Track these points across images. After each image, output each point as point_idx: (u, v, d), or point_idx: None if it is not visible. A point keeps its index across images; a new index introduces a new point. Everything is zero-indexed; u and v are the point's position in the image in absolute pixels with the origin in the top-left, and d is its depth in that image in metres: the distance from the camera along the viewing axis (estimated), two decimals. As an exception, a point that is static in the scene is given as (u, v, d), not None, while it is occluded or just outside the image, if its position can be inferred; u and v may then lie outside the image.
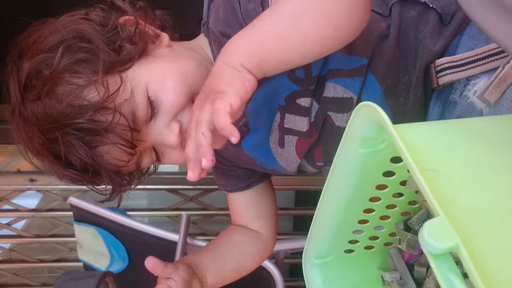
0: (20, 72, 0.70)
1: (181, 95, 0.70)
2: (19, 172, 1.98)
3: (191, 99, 0.72)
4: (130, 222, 1.60)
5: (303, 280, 0.71)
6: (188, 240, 1.52)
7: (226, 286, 1.62)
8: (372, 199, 0.59)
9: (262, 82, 0.73)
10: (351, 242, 0.66)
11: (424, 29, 0.73)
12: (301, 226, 2.15)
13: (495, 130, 0.50)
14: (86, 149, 0.67)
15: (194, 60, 0.76)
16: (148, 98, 0.69)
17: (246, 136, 0.80)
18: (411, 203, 0.62)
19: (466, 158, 0.45)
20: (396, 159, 0.53)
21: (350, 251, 0.67)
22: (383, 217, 0.63)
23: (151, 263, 0.76)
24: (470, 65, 0.69)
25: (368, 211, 0.60)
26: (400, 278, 0.64)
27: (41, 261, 2.12)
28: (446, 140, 0.47)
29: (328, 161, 0.79)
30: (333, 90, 0.73)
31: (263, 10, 0.71)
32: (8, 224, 2.06)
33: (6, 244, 2.12)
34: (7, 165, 2.12)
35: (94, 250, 1.72)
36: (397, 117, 0.75)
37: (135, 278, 1.71)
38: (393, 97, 0.74)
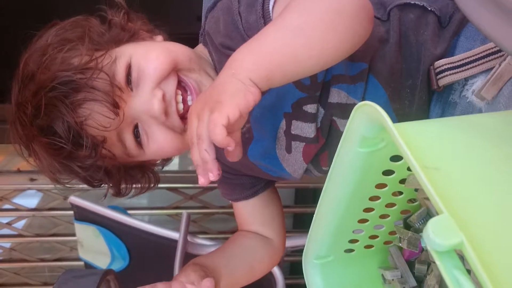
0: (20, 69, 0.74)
1: (163, 63, 0.72)
2: (19, 171, 1.99)
3: (174, 70, 0.73)
4: (131, 221, 1.60)
5: (303, 278, 0.71)
6: (189, 238, 1.52)
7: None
8: (372, 198, 0.59)
9: (267, 90, 0.74)
10: (351, 241, 0.66)
11: (425, 32, 0.74)
12: (301, 223, 2.15)
13: (494, 126, 0.50)
14: (69, 110, 0.68)
15: (192, 50, 0.77)
16: (129, 65, 0.71)
17: (250, 144, 0.80)
18: (411, 201, 0.62)
19: (467, 154, 0.45)
20: (396, 158, 0.53)
21: (350, 250, 0.67)
22: (383, 216, 0.63)
23: None
24: (469, 66, 0.69)
25: (368, 210, 0.60)
26: (401, 276, 0.64)
27: (42, 260, 2.13)
28: (446, 137, 0.47)
29: None
30: (337, 96, 0.74)
31: (264, 22, 0.71)
32: (9, 224, 2.06)
33: (7, 243, 2.13)
34: (7, 164, 2.13)
35: (95, 249, 1.72)
36: (400, 120, 0.75)
37: (136, 277, 1.71)
38: (398, 101, 0.74)
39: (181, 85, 0.74)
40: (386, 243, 0.68)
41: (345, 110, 0.74)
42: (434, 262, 0.60)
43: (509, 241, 0.39)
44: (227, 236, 2.07)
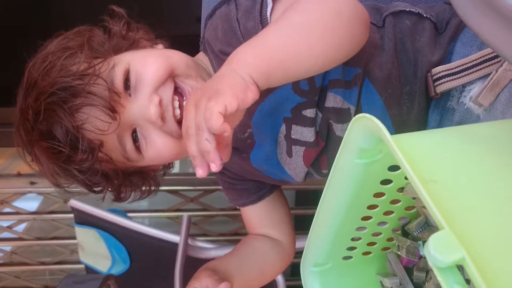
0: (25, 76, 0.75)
1: (159, 69, 0.72)
2: (19, 175, 1.99)
3: (171, 76, 0.73)
4: (131, 224, 1.60)
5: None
6: (189, 241, 1.52)
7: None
8: (370, 207, 0.59)
9: (267, 95, 0.74)
10: (349, 249, 0.66)
11: (421, 39, 0.74)
12: (301, 225, 2.14)
13: (492, 136, 0.50)
14: (66, 114, 0.69)
15: (189, 57, 0.78)
16: (127, 71, 0.72)
17: (252, 149, 0.81)
18: (408, 208, 0.62)
19: (465, 166, 0.45)
20: (394, 168, 0.53)
21: (348, 257, 0.67)
22: (381, 223, 0.63)
23: None
24: (466, 72, 0.70)
25: (366, 218, 0.60)
26: (400, 284, 0.64)
27: (43, 263, 2.13)
28: (444, 148, 0.47)
29: None
30: (333, 100, 0.74)
31: (262, 28, 0.72)
32: (9, 227, 2.06)
33: (7, 247, 2.13)
34: (7, 167, 2.13)
35: (96, 252, 1.73)
36: (398, 127, 0.75)
37: (137, 280, 1.72)
38: (396, 108, 0.74)
39: (177, 91, 0.74)
40: (384, 249, 0.68)
41: (340, 115, 0.75)
42: (433, 270, 0.60)
43: (510, 254, 0.39)
44: (228, 238, 2.07)
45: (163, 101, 0.72)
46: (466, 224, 0.39)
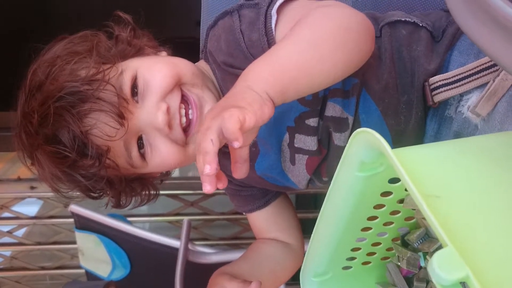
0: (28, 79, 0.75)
1: (167, 77, 0.73)
2: (19, 179, 1.99)
3: (178, 84, 0.74)
4: (131, 229, 1.60)
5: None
6: (190, 246, 1.52)
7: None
8: (370, 218, 0.59)
9: None
10: (349, 259, 0.66)
11: (418, 48, 0.74)
12: (302, 229, 2.15)
13: (492, 149, 0.50)
14: (75, 120, 0.69)
15: (195, 66, 0.79)
16: (135, 77, 0.73)
17: (257, 158, 0.81)
18: (408, 218, 0.62)
19: (467, 180, 0.45)
20: (394, 180, 0.53)
21: (347, 267, 0.68)
22: (380, 234, 0.63)
23: None
24: (463, 81, 0.70)
25: (365, 229, 0.61)
26: (400, 293, 0.65)
27: (43, 268, 2.13)
28: (445, 162, 0.47)
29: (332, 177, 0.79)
30: (332, 109, 0.74)
31: (267, 39, 0.72)
32: (9, 232, 2.06)
33: (7, 252, 2.12)
34: (7, 172, 2.13)
35: (96, 257, 1.72)
36: (396, 136, 0.75)
37: (137, 285, 1.71)
38: (394, 117, 0.75)
39: (183, 99, 0.75)
40: (383, 259, 0.69)
41: (339, 124, 0.75)
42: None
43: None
44: (228, 242, 2.07)
45: (171, 108, 0.73)
46: (468, 240, 0.39)
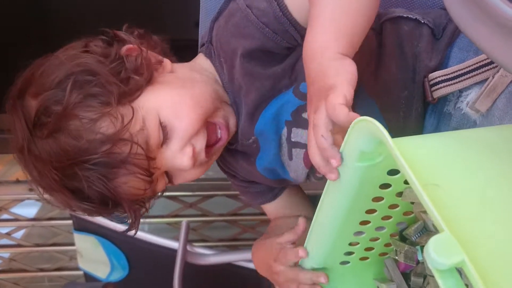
0: (26, 110, 0.69)
1: (195, 121, 0.71)
2: (18, 181, 1.98)
3: (205, 123, 0.73)
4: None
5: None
6: (188, 248, 1.52)
7: (217, 283, 1.61)
8: (368, 211, 0.59)
9: (269, 101, 0.75)
10: (346, 253, 0.66)
11: (419, 44, 0.74)
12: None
13: (493, 141, 0.50)
14: (104, 182, 0.66)
15: (200, 82, 0.76)
16: (160, 124, 0.70)
17: (258, 153, 0.81)
18: (406, 213, 0.62)
19: (466, 170, 0.46)
20: (393, 172, 0.53)
21: (345, 262, 0.67)
22: (379, 228, 0.63)
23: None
24: (463, 77, 0.69)
25: (364, 223, 0.60)
26: (397, 288, 0.64)
27: (41, 270, 2.12)
28: (445, 152, 0.47)
29: None
30: None
31: (278, 3, 0.70)
32: (8, 234, 2.06)
33: (6, 253, 2.12)
34: (5, 173, 2.12)
35: (94, 259, 1.72)
36: (395, 131, 0.75)
37: (136, 286, 1.71)
38: (392, 112, 0.74)
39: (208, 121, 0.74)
40: (381, 254, 0.68)
41: None
42: (431, 276, 0.60)
43: (510, 258, 0.39)
44: (227, 244, 2.06)
45: (196, 149, 0.72)
46: (465, 227, 0.39)
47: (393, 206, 0.60)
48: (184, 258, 1.49)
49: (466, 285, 0.40)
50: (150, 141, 0.69)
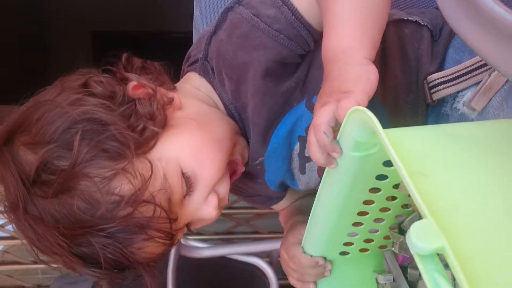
0: (18, 162, 0.60)
1: (220, 166, 0.67)
2: (11, 173, 1.97)
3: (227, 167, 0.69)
4: (124, 223, 1.59)
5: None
6: (182, 240, 1.52)
7: (220, 283, 1.61)
8: (366, 202, 0.59)
9: (281, 118, 0.71)
10: (345, 244, 0.66)
11: (420, 46, 0.73)
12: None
13: (484, 135, 0.51)
14: (121, 250, 0.59)
15: (215, 118, 0.71)
16: (183, 175, 0.64)
17: (264, 174, 0.77)
18: (405, 206, 0.62)
19: (455, 162, 0.46)
20: (389, 163, 0.53)
21: (345, 253, 0.68)
22: (378, 220, 0.63)
23: None
24: (461, 79, 0.69)
25: (362, 213, 0.61)
26: (394, 280, 0.65)
27: (35, 262, 2.11)
28: (436, 144, 0.47)
29: None
30: None
31: (288, 8, 0.66)
32: (1, 226, 2.05)
33: (-1, 246, 2.12)
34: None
35: (88, 251, 1.71)
36: None
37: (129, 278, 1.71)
38: (400, 117, 0.73)
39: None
40: (381, 247, 0.69)
41: None
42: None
43: (492, 247, 0.39)
44: (222, 237, 2.06)
45: (220, 195, 0.68)
46: (450, 216, 0.39)
47: (391, 198, 0.60)
48: (178, 251, 1.49)
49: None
50: (172, 197, 0.63)
